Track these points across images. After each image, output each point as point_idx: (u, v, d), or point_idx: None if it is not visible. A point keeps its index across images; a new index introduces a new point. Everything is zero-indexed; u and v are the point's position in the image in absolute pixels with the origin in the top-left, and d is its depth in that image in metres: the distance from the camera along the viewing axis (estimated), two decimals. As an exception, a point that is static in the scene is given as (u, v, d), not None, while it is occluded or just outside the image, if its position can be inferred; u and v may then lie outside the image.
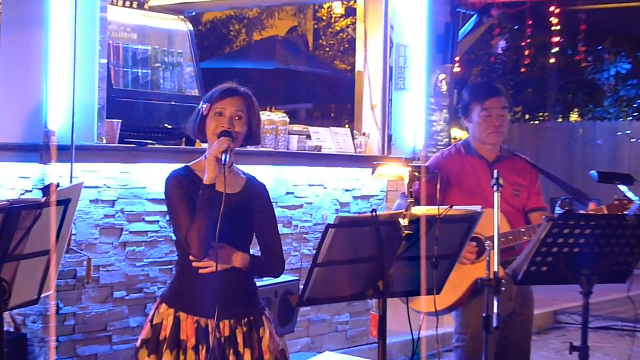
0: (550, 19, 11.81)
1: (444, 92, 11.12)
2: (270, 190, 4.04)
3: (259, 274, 3.99)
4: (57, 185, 3.36)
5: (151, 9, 7.87)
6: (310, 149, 7.23)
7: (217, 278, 3.69)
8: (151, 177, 6.09)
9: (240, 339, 3.80)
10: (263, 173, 5.98)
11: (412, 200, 3.73)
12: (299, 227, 7.20)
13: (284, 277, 5.66)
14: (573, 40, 13.20)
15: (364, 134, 7.70)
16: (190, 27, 7.96)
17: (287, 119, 7.21)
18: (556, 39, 12.15)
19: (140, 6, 7.67)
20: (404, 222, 3.46)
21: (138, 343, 3.84)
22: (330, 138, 7.43)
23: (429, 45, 8.28)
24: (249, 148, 4.31)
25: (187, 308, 3.78)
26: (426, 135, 8.85)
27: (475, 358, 4.78)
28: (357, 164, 7.51)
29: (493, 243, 4.03)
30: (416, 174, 3.99)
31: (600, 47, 18.21)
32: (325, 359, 5.44)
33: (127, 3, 7.52)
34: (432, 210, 3.59)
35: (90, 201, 5.88)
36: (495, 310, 4.02)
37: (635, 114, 19.63)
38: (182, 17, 8.01)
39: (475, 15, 12.16)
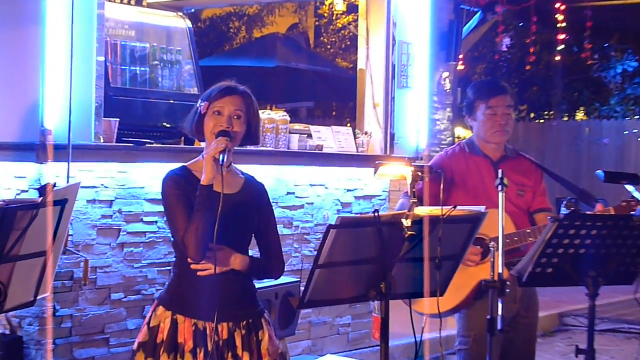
0: (556, 16, 11.80)
1: (448, 91, 11.08)
2: (271, 190, 4.00)
3: (258, 276, 3.93)
4: (54, 185, 3.35)
5: (149, 5, 7.94)
6: (311, 149, 7.22)
7: (215, 280, 3.66)
8: (149, 176, 6.08)
9: (239, 342, 3.76)
10: (263, 173, 6.02)
11: (415, 200, 3.71)
12: (300, 227, 7.20)
13: (284, 279, 5.65)
14: (579, 37, 13.21)
15: (366, 133, 7.70)
16: (189, 24, 7.96)
17: (288, 118, 7.20)
18: (562, 37, 12.14)
19: (139, 3, 7.74)
20: (406, 222, 3.44)
21: (135, 346, 3.81)
22: (331, 137, 7.42)
23: (432, 43, 8.31)
24: (249, 147, 4.29)
25: (184, 311, 3.75)
26: (429, 134, 8.88)
27: (478, 361, 4.76)
28: (359, 164, 7.51)
29: (497, 244, 4.01)
30: (419, 173, 3.99)
31: (606, 44, 18.20)
32: (327, 362, 5.42)
33: (125, 0, 7.47)
34: (436, 210, 3.58)
35: (88, 201, 5.87)
36: (499, 312, 4.00)
37: (643, 112, 19.63)
38: (180, 14, 8.01)
39: (479, 12, 12.13)
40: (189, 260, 3.69)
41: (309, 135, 7.32)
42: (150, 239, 6.20)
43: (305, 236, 7.21)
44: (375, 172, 4.57)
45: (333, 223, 3.35)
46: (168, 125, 7.21)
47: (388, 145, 7.65)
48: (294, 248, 7.09)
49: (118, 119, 6.13)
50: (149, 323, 3.79)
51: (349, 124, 11.75)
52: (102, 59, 5.99)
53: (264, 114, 6.92)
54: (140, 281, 6.15)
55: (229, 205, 3.63)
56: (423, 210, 3.58)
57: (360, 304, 7.40)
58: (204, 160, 3.67)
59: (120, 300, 6.07)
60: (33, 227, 3.24)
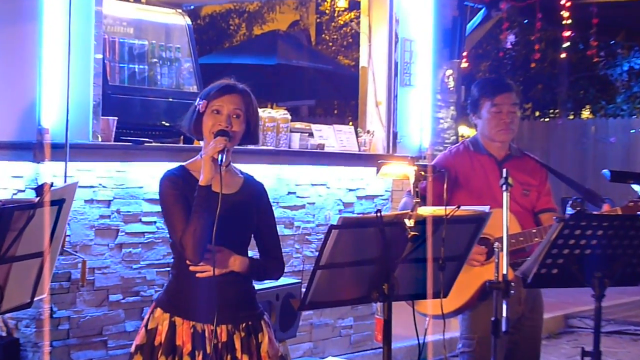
0: (561, 13, 11.77)
1: (451, 89, 11.03)
2: (272, 190, 3.96)
3: (258, 277, 3.92)
4: (51, 185, 3.34)
5: (148, 2, 7.95)
6: (312, 148, 7.21)
7: (214, 282, 3.63)
8: (148, 176, 6.07)
9: (238, 345, 3.74)
10: (264, 172, 6.03)
11: (419, 200, 3.71)
12: (301, 228, 7.18)
13: (285, 280, 5.71)
14: (585, 34, 13.18)
15: (368, 131, 7.68)
16: (189, 21, 7.96)
17: (289, 117, 7.18)
18: (567, 34, 12.09)
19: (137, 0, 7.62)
20: (409, 223, 3.43)
21: (132, 349, 3.79)
22: (333, 136, 7.41)
23: (435, 40, 8.31)
24: (250, 147, 4.28)
25: (183, 313, 3.73)
26: (433, 133, 8.90)
27: (482, 364, 4.75)
28: (361, 163, 7.50)
29: (502, 244, 4.00)
30: (422, 173, 3.98)
31: (613, 41, 18.16)
32: (328, 364, 5.43)
33: (123, -4, 7.50)
34: (439, 210, 3.57)
35: (85, 201, 5.85)
36: (504, 314, 3.97)
37: (649, 110, 19.60)
38: (180, 10, 8.02)
39: (483, 9, 12.10)
40: (187, 262, 3.67)
41: (311, 134, 7.31)
42: (149, 240, 6.19)
43: (307, 237, 7.21)
44: (377, 172, 4.56)
45: (335, 223, 3.35)
46: (167, 124, 7.20)
47: (391, 144, 7.65)
48: (295, 249, 7.09)
49: (116, 118, 6.11)
50: (146, 325, 3.77)
51: (351, 123, 11.74)
52: (100, 56, 5.98)
53: (265, 113, 6.94)
54: (139, 282, 6.14)
55: (228, 205, 3.62)
56: (426, 210, 3.56)
57: (363, 306, 7.40)
58: (202, 160, 3.65)
59: (118, 302, 6.06)
60: (30, 228, 3.24)
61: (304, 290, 3.52)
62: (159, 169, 5.07)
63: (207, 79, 5.65)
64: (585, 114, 20.84)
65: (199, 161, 3.73)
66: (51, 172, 5.59)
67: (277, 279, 4.09)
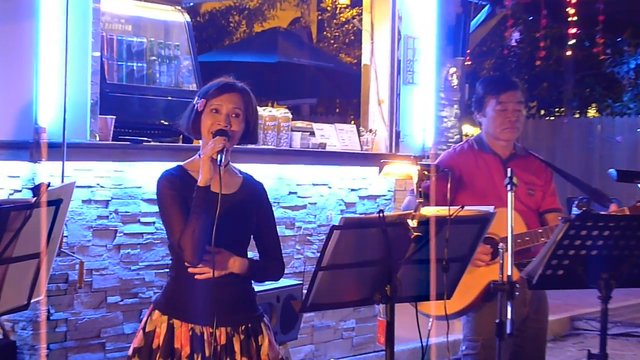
0: (567, 10, 11.80)
1: (455, 87, 11.01)
2: (272, 190, 3.92)
3: (258, 278, 3.91)
4: (48, 185, 3.34)
5: None
6: (314, 147, 7.19)
7: (213, 284, 3.61)
8: (147, 176, 6.05)
9: (237, 348, 3.73)
10: (264, 172, 6.03)
11: (422, 200, 3.66)
12: (303, 228, 7.16)
13: (286, 282, 5.73)
14: (591, 31, 13.19)
15: (370, 130, 7.66)
16: (188, 18, 7.95)
17: (290, 115, 7.16)
18: (573, 31, 12.09)
19: (136, -4, 7.66)
20: (412, 223, 3.43)
21: (130, 352, 3.78)
22: (335, 135, 7.39)
23: (439, 38, 8.30)
24: (250, 146, 4.27)
25: (181, 315, 3.71)
26: (436, 131, 8.89)
27: (487, 367, 4.75)
28: (364, 163, 7.48)
29: (506, 245, 4.00)
30: (426, 172, 3.96)
31: (619, 38, 18.14)
32: (330, 367, 5.41)
33: (122, -7, 7.50)
34: (443, 210, 3.57)
35: (83, 201, 5.84)
36: (509, 316, 3.98)
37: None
38: (179, 7, 8.00)
39: (487, 6, 12.11)
40: (186, 264, 3.66)
41: (312, 133, 7.29)
42: (148, 241, 6.17)
43: (308, 237, 7.19)
44: (380, 171, 4.54)
45: (337, 224, 3.36)
46: (166, 123, 7.17)
47: (393, 143, 7.61)
48: (296, 250, 7.08)
49: (114, 117, 6.10)
50: (144, 328, 3.75)
51: (353, 122, 11.71)
52: (97, 54, 5.96)
53: (266, 111, 6.93)
54: (137, 284, 6.13)
55: (227, 205, 3.61)
56: (430, 211, 3.57)
57: (365, 308, 7.39)
58: (200, 161, 3.63)
59: (116, 304, 6.05)
60: (27, 228, 3.23)
61: (305, 292, 3.52)
62: (158, 168, 5.06)
63: (207, 77, 5.63)
64: (591, 112, 20.87)
65: (197, 161, 3.71)
66: (48, 172, 5.57)
67: (278, 280, 4.09)
